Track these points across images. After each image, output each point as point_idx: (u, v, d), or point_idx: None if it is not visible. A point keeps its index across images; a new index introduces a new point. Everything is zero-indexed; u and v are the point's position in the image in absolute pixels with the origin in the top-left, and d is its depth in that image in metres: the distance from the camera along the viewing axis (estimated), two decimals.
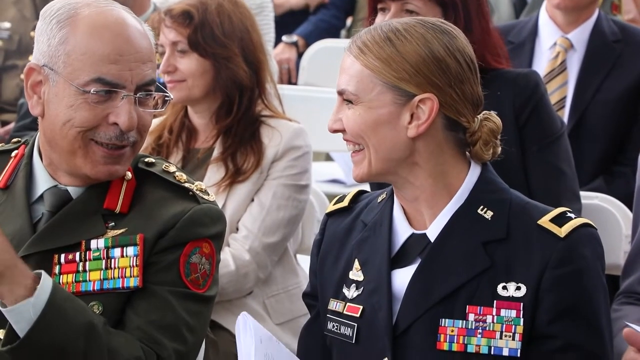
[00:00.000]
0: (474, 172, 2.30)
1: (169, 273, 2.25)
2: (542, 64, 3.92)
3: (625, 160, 3.75)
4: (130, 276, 2.25)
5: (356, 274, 2.34)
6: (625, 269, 2.87)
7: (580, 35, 3.91)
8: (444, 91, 2.25)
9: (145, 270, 2.25)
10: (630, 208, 3.05)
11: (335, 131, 2.30)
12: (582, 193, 3.21)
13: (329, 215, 2.45)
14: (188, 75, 3.27)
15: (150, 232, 2.25)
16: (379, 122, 2.25)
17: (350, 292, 2.33)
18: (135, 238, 2.25)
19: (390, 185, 2.35)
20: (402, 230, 2.32)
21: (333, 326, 2.34)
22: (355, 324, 2.30)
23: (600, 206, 3.35)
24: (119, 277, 2.25)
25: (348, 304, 2.32)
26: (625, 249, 3.21)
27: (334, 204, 2.46)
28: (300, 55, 5.78)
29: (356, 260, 2.35)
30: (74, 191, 2.30)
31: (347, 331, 2.31)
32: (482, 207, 2.27)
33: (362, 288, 2.32)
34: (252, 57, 3.30)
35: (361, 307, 2.30)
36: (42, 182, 2.32)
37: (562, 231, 2.23)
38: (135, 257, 2.25)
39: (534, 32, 3.96)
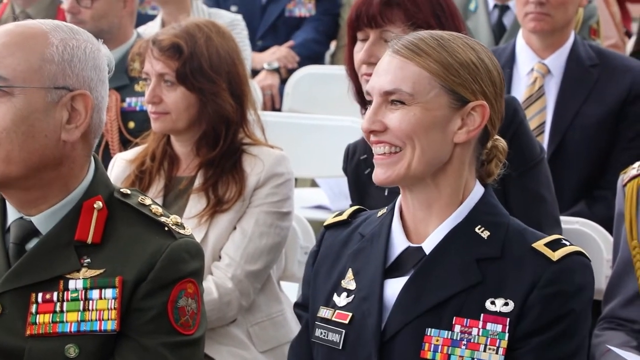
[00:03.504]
0: (478, 191, 2.35)
1: (158, 323, 2.24)
2: (520, 90, 3.94)
3: (606, 183, 3.77)
4: (108, 319, 2.23)
5: (349, 282, 2.38)
6: (606, 293, 2.88)
7: (557, 60, 3.94)
8: (491, 101, 2.32)
9: (131, 319, 2.24)
10: (610, 232, 3.07)
11: (371, 132, 2.32)
12: (562, 218, 3.22)
13: (327, 227, 2.50)
14: (173, 108, 3.26)
15: (128, 273, 2.24)
16: (433, 124, 2.29)
17: (341, 300, 2.37)
18: (114, 281, 2.24)
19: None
20: (399, 243, 2.36)
21: (321, 333, 2.37)
22: (343, 330, 2.33)
23: (581, 231, 3.37)
24: (96, 320, 2.23)
25: (337, 311, 2.36)
26: (606, 273, 3.23)
27: (333, 217, 2.51)
28: (283, 81, 5.80)
29: (350, 269, 2.39)
30: (36, 221, 2.29)
31: (335, 337, 2.34)
32: (479, 226, 2.32)
33: (353, 296, 2.36)
34: (238, 90, 3.31)
35: (350, 314, 2.34)
36: (12, 215, 2.31)
37: (555, 255, 2.27)
38: (113, 300, 2.23)
39: (511, 58, 3.98)
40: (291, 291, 3.54)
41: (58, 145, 2.26)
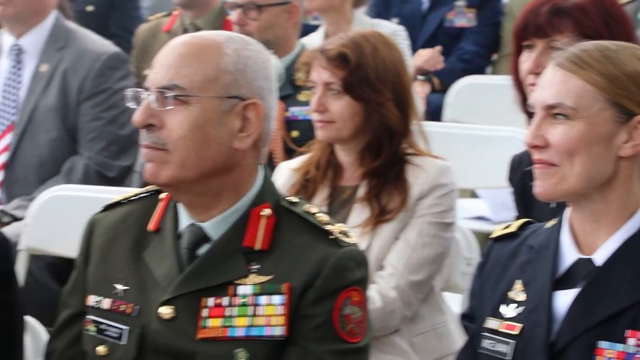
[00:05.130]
0: None
1: (325, 331, 2.27)
2: None
3: None
4: (276, 325, 2.27)
5: (517, 294, 2.37)
6: None
7: None
8: None
9: (298, 326, 2.27)
10: None
11: (534, 147, 2.30)
12: None
13: (495, 240, 2.49)
14: (338, 117, 3.29)
15: (296, 280, 2.28)
16: (596, 139, 2.26)
17: (509, 311, 2.36)
18: (281, 287, 2.28)
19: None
20: (569, 255, 2.33)
21: (489, 344, 2.36)
22: (513, 341, 2.32)
23: None
24: (265, 325, 2.27)
25: (506, 322, 2.35)
26: None
27: (501, 229, 2.49)
28: (437, 92, 5.77)
29: (518, 281, 2.37)
30: (207, 227, 2.34)
31: (504, 348, 2.33)
32: None
33: (522, 307, 2.34)
34: (403, 100, 3.31)
35: (520, 325, 2.32)
36: (184, 220, 2.37)
37: None
38: (281, 306, 2.27)
39: None
40: (454, 302, 3.52)
41: (230, 153, 2.31)
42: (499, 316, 2.37)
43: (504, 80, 5.33)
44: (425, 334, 3.31)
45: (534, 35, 3.03)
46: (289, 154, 4.20)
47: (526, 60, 3.05)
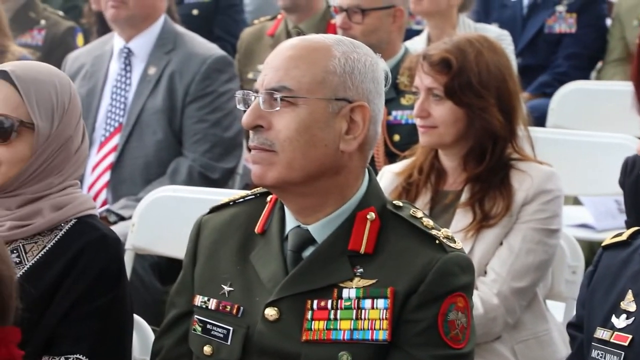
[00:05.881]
0: None
1: (429, 336, 2.26)
2: None
3: None
4: (380, 329, 2.27)
5: (628, 304, 2.34)
6: None
7: None
8: None
9: (402, 330, 2.27)
10: None
11: None
12: None
13: (605, 248, 2.46)
14: (440, 122, 3.28)
15: (400, 285, 2.27)
16: None
17: (620, 322, 2.33)
18: (386, 291, 2.27)
19: None
20: None
21: (597, 354, 2.33)
22: (622, 353, 2.29)
23: None
24: (368, 329, 2.27)
25: (616, 332, 2.32)
26: None
27: (612, 238, 2.47)
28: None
29: (630, 291, 2.34)
30: (312, 229, 2.35)
31: (613, 359, 2.30)
32: None
33: (632, 318, 2.31)
34: (508, 105, 3.28)
35: (630, 336, 2.29)
36: (290, 223, 2.39)
37: None
38: (385, 310, 2.27)
39: None
40: (558, 310, 3.48)
41: (336, 155, 2.32)
42: (609, 326, 2.34)
43: (610, 86, 5.28)
44: (527, 342, 3.28)
45: None
46: (390, 157, 4.20)
47: None
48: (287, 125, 2.29)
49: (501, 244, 3.25)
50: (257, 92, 2.33)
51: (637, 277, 2.34)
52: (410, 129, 4.13)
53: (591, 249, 4.32)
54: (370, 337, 2.27)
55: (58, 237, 2.55)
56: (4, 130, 2.51)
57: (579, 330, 2.43)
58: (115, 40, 4.58)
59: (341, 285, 2.31)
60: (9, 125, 2.51)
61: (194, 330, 2.41)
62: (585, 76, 6.02)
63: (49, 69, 2.61)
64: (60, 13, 5.69)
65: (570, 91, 5.33)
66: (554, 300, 3.50)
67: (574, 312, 2.50)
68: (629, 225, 3.13)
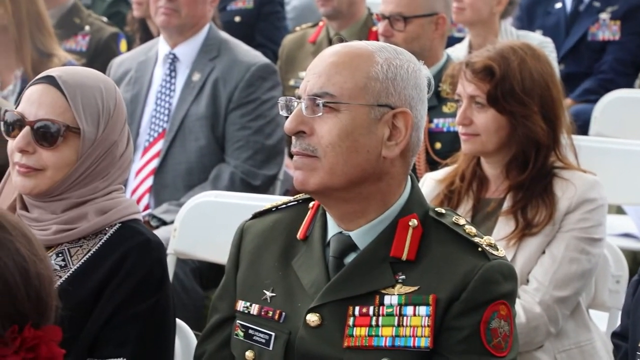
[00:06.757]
0: None
1: (471, 343, 2.25)
2: None
3: None
4: (422, 336, 2.26)
5: None
6: None
7: None
8: None
9: (444, 337, 2.26)
10: None
11: None
12: None
13: None
14: (483, 130, 3.27)
15: (442, 292, 2.26)
16: None
17: None
18: (428, 298, 2.27)
19: None
20: None
21: None
22: None
23: None
24: (410, 336, 2.27)
25: None
26: None
27: None
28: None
29: None
30: (354, 235, 2.35)
31: None
32: None
33: None
34: (551, 114, 3.27)
35: None
36: (332, 229, 2.39)
37: None
38: (427, 318, 2.26)
39: None
40: (601, 320, 3.45)
41: (378, 161, 2.32)
42: None
43: None
44: (569, 351, 3.25)
45: None
46: (431, 165, 4.19)
47: None
48: (329, 130, 2.29)
49: (543, 252, 3.24)
50: (299, 98, 2.34)
51: None
52: (451, 137, 4.12)
53: (635, 258, 4.29)
54: (412, 344, 2.26)
55: (103, 241, 2.57)
56: (51, 135, 2.53)
57: (624, 340, 2.42)
58: (160, 46, 4.61)
59: (383, 292, 2.31)
60: (55, 130, 2.53)
61: (236, 335, 2.42)
62: (630, 83, 5.98)
63: (95, 74, 2.63)
64: (104, 19, 5.73)
65: (613, 99, 5.30)
66: (598, 309, 3.48)
67: (618, 322, 2.49)
68: None
